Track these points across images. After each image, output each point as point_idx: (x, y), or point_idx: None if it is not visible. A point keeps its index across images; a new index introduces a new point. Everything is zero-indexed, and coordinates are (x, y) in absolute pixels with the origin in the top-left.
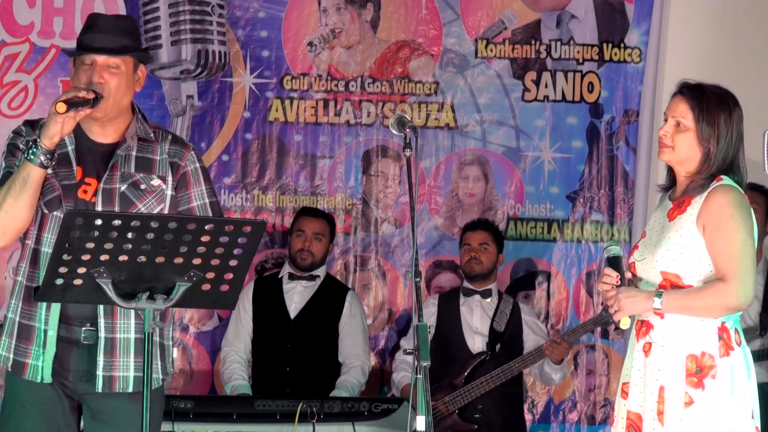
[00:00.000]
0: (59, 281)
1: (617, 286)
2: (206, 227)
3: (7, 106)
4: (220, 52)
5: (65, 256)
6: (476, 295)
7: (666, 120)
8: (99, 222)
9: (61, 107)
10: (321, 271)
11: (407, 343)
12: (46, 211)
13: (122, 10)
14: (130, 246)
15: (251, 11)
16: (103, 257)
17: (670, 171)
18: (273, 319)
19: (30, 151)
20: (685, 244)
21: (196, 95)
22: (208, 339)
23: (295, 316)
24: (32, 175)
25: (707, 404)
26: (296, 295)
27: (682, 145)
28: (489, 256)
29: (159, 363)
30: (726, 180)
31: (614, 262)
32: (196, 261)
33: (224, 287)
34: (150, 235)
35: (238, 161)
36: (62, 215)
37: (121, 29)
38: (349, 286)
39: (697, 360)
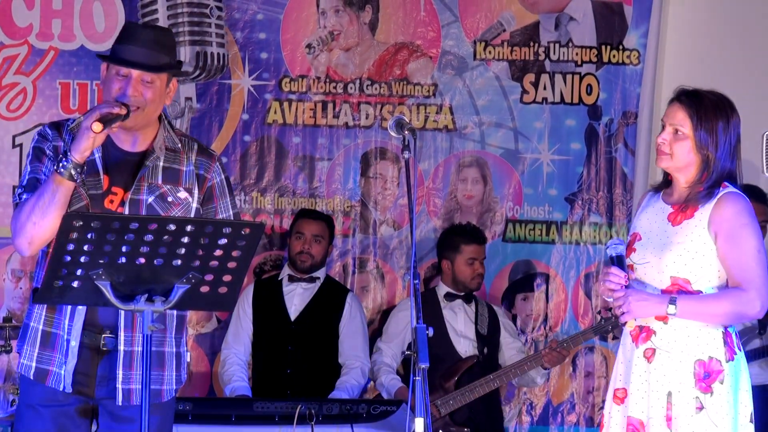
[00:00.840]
0: (58, 283)
1: (625, 287)
2: (205, 229)
3: (6, 108)
4: (218, 54)
5: (64, 258)
6: (458, 300)
7: (664, 127)
8: (97, 224)
9: (98, 126)
10: (321, 273)
11: (385, 345)
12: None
13: (121, 13)
14: (128, 248)
15: (250, 13)
16: (102, 259)
17: (667, 173)
18: (273, 321)
19: (60, 164)
20: (696, 250)
21: (194, 97)
22: (207, 341)
23: (295, 318)
24: (61, 188)
25: (716, 409)
26: (296, 297)
27: (680, 153)
28: (484, 268)
29: (174, 373)
30: (731, 187)
31: (620, 261)
32: (195, 263)
33: (223, 289)
34: (148, 237)
35: (237, 163)
36: None
37: (160, 44)
38: (348, 288)
39: (705, 365)
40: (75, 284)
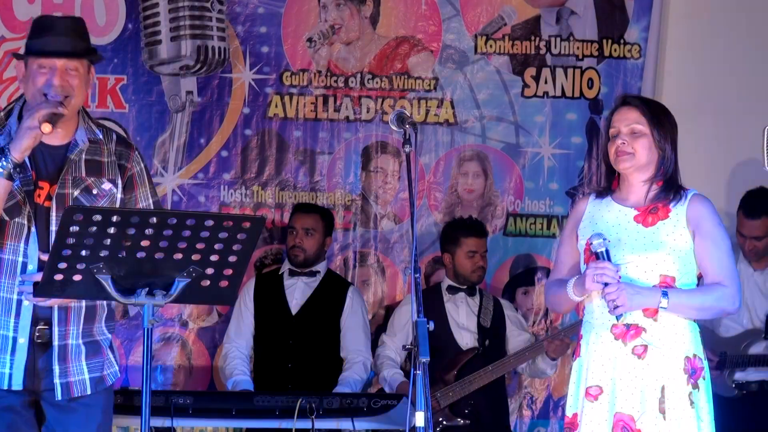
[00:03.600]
0: (58, 277)
1: (618, 281)
2: (205, 223)
3: (7, 101)
4: (219, 48)
5: (65, 252)
6: (461, 293)
7: (618, 130)
8: (98, 218)
9: (47, 128)
10: (321, 267)
11: (389, 339)
12: (6, 218)
13: (122, 7)
14: (129, 242)
15: (251, 7)
16: (102, 253)
17: (610, 176)
18: (274, 315)
19: None
20: (681, 248)
21: (195, 91)
22: (208, 335)
23: (297, 312)
24: (1, 187)
25: (702, 404)
26: (297, 291)
27: (641, 150)
28: (486, 261)
29: (111, 355)
30: (693, 189)
31: (608, 256)
32: (196, 257)
33: (223, 283)
34: (149, 231)
35: (238, 157)
36: (24, 221)
37: (75, 31)
38: (349, 281)
39: (691, 362)
40: (76, 278)
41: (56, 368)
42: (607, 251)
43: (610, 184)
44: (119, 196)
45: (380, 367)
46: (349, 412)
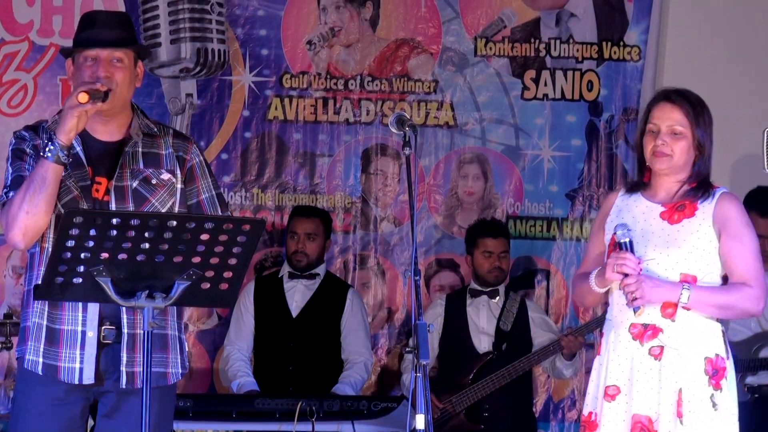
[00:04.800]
0: (58, 279)
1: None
2: (206, 226)
3: (7, 104)
4: (219, 50)
5: (65, 255)
6: (483, 296)
7: (658, 128)
8: (98, 220)
9: (84, 97)
10: (321, 270)
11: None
12: (63, 212)
13: (121, 8)
14: (129, 244)
15: (250, 9)
16: (103, 256)
17: (643, 169)
18: (275, 318)
19: (47, 149)
20: (704, 247)
21: (195, 93)
22: (208, 337)
23: (297, 314)
24: (50, 172)
25: (726, 405)
26: (297, 294)
27: (680, 153)
28: (507, 263)
29: (179, 357)
30: (722, 187)
31: (631, 247)
32: (196, 259)
33: (224, 285)
34: (149, 234)
35: (238, 159)
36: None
37: (120, 23)
38: (348, 284)
39: (712, 362)
40: (76, 281)
41: (123, 356)
42: (630, 242)
43: (642, 176)
44: (179, 186)
45: (404, 371)
46: (349, 414)
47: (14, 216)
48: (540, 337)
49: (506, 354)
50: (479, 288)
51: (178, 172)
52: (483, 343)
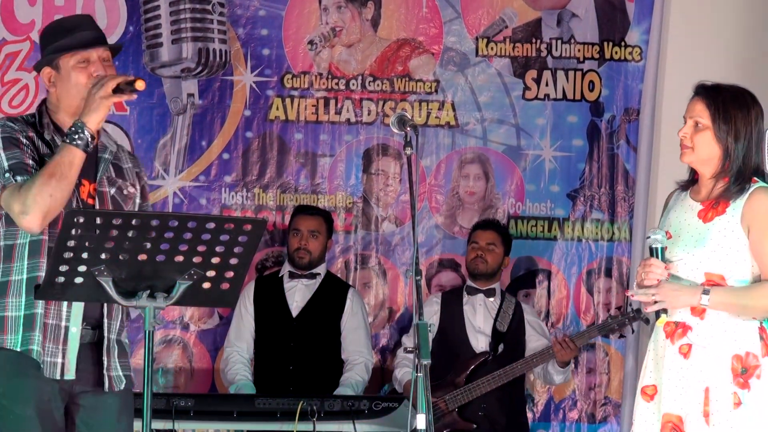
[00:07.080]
0: (60, 279)
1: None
2: (207, 225)
3: (8, 104)
4: (220, 50)
5: (66, 255)
6: (480, 294)
7: (685, 122)
8: (100, 220)
9: (141, 84)
10: (321, 269)
11: (409, 340)
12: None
13: (123, 9)
14: (130, 244)
15: (252, 9)
16: (104, 255)
17: (693, 170)
18: (275, 318)
19: (76, 137)
20: (730, 245)
21: (196, 93)
22: (209, 337)
23: (297, 314)
24: (77, 159)
25: (754, 405)
26: (297, 294)
27: (701, 145)
28: (495, 257)
29: (130, 361)
30: (761, 182)
31: (662, 254)
32: (197, 259)
33: (225, 285)
34: (151, 234)
35: (239, 159)
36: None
37: (93, 24)
38: (350, 284)
39: (742, 360)
40: (77, 281)
41: (105, 360)
42: (660, 248)
43: (691, 175)
44: (138, 201)
45: (396, 366)
46: (350, 414)
47: (35, 199)
48: (534, 341)
49: (502, 355)
50: (475, 286)
51: (138, 186)
52: (480, 342)
